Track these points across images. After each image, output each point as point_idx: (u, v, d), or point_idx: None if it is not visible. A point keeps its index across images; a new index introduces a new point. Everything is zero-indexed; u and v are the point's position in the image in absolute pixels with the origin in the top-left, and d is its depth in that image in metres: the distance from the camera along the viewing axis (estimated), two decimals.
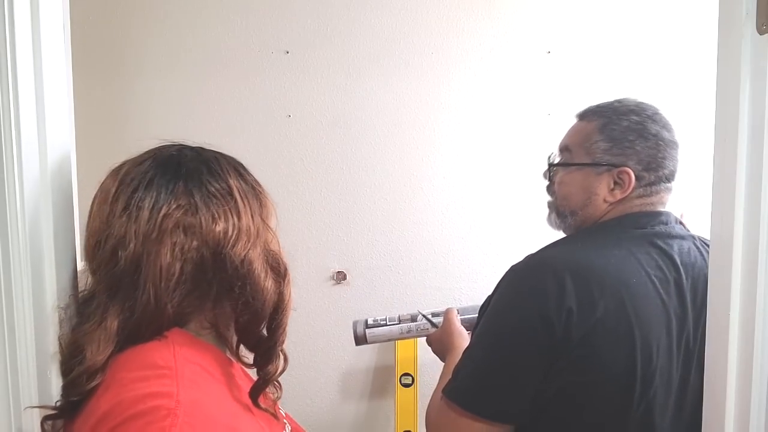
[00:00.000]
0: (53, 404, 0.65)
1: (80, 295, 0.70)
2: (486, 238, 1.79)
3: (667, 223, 0.97)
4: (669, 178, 0.99)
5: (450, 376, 0.93)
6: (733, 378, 0.67)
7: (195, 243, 0.65)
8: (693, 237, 0.98)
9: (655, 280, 0.90)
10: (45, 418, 0.64)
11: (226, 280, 0.66)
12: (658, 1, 1.77)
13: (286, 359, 0.71)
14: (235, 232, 0.67)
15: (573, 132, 1.04)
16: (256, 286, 0.67)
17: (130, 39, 1.68)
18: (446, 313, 1.24)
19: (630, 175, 0.96)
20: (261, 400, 0.69)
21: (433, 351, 1.24)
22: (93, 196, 0.69)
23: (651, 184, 0.97)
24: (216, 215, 0.66)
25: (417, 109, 1.75)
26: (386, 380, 1.81)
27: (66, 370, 0.64)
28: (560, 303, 0.84)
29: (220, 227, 0.66)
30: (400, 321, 1.35)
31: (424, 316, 1.32)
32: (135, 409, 0.55)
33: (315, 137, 1.74)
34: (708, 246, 0.95)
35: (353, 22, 1.72)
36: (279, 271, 0.70)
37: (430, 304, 1.38)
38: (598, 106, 1.03)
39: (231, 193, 0.69)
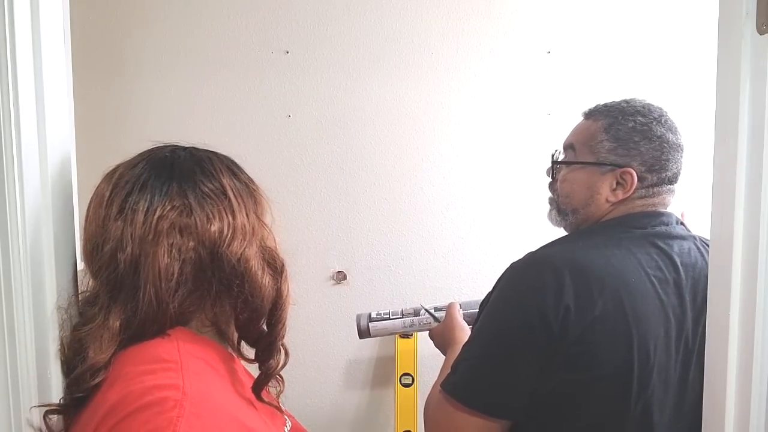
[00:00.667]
0: (57, 402, 0.65)
1: (83, 296, 0.71)
2: (486, 238, 1.79)
3: (668, 224, 0.97)
4: (672, 180, 0.99)
5: (449, 371, 0.94)
6: (733, 378, 0.67)
7: (192, 243, 0.66)
8: (694, 237, 0.98)
9: (654, 280, 0.90)
10: (47, 412, 0.64)
11: (224, 279, 0.67)
12: (658, 1, 1.77)
13: (287, 353, 0.72)
14: (230, 230, 0.67)
15: (578, 130, 1.04)
16: (254, 283, 0.68)
17: (130, 39, 1.68)
18: (448, 308, 1.25)
19: (633, 175, 0.96)
20: (263, 395, 0.70)
21: (435, 345, 1.25)
22: (89, 200, 0.70)
23: (653, 185, 0.98)
24: (211, 215, 0.67)
25: (417, 109, 1.75)
26: (386, 380, 1.81)
27: (69, 368, 0.65)
28: (558, 300, 0.85)
29: (215, 227, 0.66)
30: (403, 315, 1.36)
31: (426, 310, 1.32)
32: (142, 401, 0.55)
33: (315, 137, 1.74)
34: (709, 246, 0.96)
35: (353, 22, 1.72)
36: (276, 267, 0.71)
37: (430, 302, 1.38)
38: (605, 106, 1.03)
39: (225, 193, 0.69)
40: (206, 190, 0.68)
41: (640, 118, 0.98)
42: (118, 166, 0.71)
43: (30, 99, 0.68)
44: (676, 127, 1.00)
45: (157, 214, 0.65)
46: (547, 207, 1.10)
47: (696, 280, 0.93)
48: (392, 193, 1.77)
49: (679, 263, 0.93)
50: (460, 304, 1.27)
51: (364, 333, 1.37)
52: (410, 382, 1.74)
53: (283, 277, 0.72)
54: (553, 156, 1.08)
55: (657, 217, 0.97)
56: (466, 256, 1.79)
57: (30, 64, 0.68)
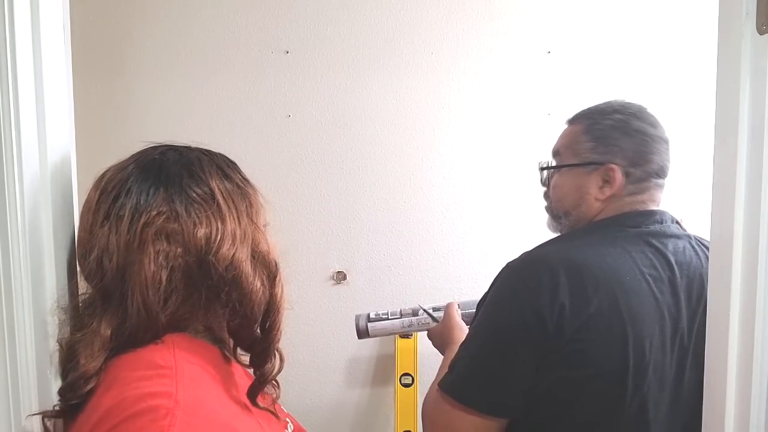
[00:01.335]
0: (53, 409, 0.65)
1: (82, 297, 0.70)
2: (486, 238, 1.79)
3: (662, 222, 0.97)
4: (659, 174, 1.00)
5: (446, 369, 0.94)
6: (733, 378, 0.67)
7: (179, 250, 0.64)
8: (689, 236, 0.99)
9: (649, 278, 0.91)
10: (45, 415, 0.64)
11: (212, 287, 0.65)
12: (658, 1, 1.77)
13: (282, 359, 0.71)
14: (219, 236, 0.65)
15: (562, 136, 1.08)
16: (243, 290, 0.66)
17: (130, 39, 1.68)
18: (447, 308, 1.25)
19: (616, 171, 0.98)
20: (260, 400, 0.69)
21: (433, 345, 1.26)
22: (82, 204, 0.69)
23: (640, 180, 0.98)
24: (198, 221, 0.65)
25: (417, 109, 1.75)
26: (386, 380, 1.81)
27: (63, 373, 0.65)
28: (553, 299, 0.86)
29: (202, 233, 0.65)
30: (401, 315, 1.36)
31: (425, 310, 1.33)
32: (135, 408, 0.55)
33: (315, 137, 1.74)
34: (704, 245, 0.96)
35: (353, 22, 1.72)
36: (270, 271, 0.69)
37: (429, 303, 1.38)
38: (584, 110, 1.06)
39: (213, 197, 0.67)
40: (194, 194, 0.66)
41: (617, 116, 1.00)
42: (107, 170, 0.69)
43: (30, 99, 0.68)
44: (657, 121, 1.01)
45: (143, 220, 0.63)
46: (545, 215, 1.12)
47: (691, 279, 0.93)
48: (392, 193, 1.77)
49: (673, 262, 0.93)
50: (458, 304, 1.27)
51: (362, 333, 1.37)
52: (410, 382, 1.74)
53: (277, 281, 0.70)
54: (539, 165, 1.11)
55: (651, 215, 0.98)
56: (466, 256, 1.79)
57: (30, 64, 0.68)
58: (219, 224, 0.66)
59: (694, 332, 0.91)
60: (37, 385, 0.67)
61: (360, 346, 1.80)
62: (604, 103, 1.05)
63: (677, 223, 1.00)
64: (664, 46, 1.77)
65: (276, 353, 0.70)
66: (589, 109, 1.06)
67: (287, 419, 0.77)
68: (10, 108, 0.65)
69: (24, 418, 0.66)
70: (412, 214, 1.78)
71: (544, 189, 1.11)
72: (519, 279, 0.92)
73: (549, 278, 0.87)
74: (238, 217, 0.68)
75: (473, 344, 0.93)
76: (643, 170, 0.98)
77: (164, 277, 0.63)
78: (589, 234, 0.99)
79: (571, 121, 1.07)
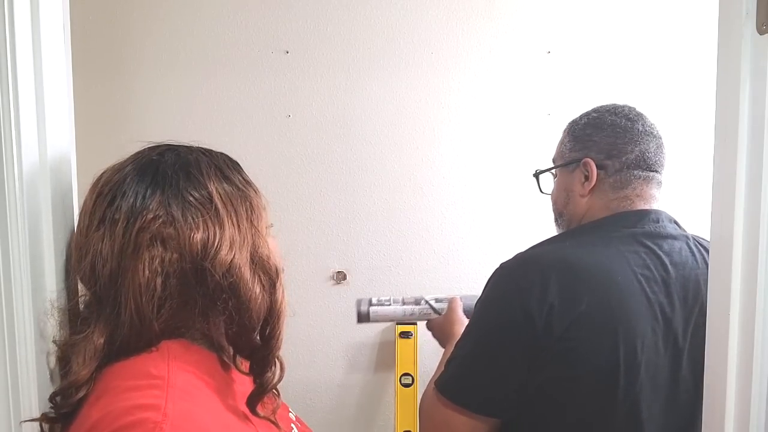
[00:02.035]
0: (42, 416, 0.63)
1: (83, 298, 0.69)
2: (486, 238, 1.79)
3: (658, 222, 0.97)
4: (639, 165, 0.99)
5: (443, 368, 0.96)
6: (733, 378, 0.67)
7: (175, 256, 0.62)
8: (687, 237, 0.99)
9: (641, 278, 0.91)
10: (43, 420, 0.63)
11: (209, 293, 0.63)
12: (658, 1, 1.77)
13: (282, 368, 0.68)
14: (216, 242, 0.63)
15: (557, 145, 1.11)
16: (242, 297, 0.64)
17: (129, 39, 1.68)
18: (450, 302, 1.27)
19: (590, 164, 1.00)
20: (260, 408, 0.67)
21: (433, 336, 1.28)
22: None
23: (618, 171, 0.99)
24: (194, 225, 0.63)
25: (417, 109, 1.75)
26: (386, 380, 1.81)
27: (60, 376, 0.64)
28: (543, 299, 0.87)
29: (198, 238, 0.62)
30: (404, 303, 1.36)
31: (427, 301, 1.33)
32: (123, 421, 0.54)
33: (315, 137, 1.74)
34: (703, 246, 0.96)
35: (353, 22, 1.72)
36: (270, 276, 0.67)
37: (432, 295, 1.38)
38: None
39: (211, 201, 0.65)
40: (191, 198, 0.64)
41: (593, 114, 1.05)
42: (105, 170, 0.68)
43: (30, 99, 0.68)
44: (635, 115, 1.02)
45: (138, 225, 0.61)
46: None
47: (686, 279, 0.93)
48: (392, 193, 1.77)
49: (668, 262, 0.93)
50: (460, 298, 1.28)
51: (363, 317, 1.36)
52: (410, 382, 1.74)
53: (277, 287, 0.68)
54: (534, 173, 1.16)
55: (645, 215, 0.98)
56: (466, 256, 1.79)
57: (30, 64, 0.68)
58: (217, 229, 0.64)
59: (689, 333, 0.92)
60: (37, 385, 0.67)
61: (360, 346, 1.80)
62: (591, 108, 1.08)
63: (675, 222, 1.00)
64: (664, 46, 1.77)
65: (276, 361, 0.68)
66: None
67: (293, 425, 0.77)
68: (10, 108, 0.65)
69: (24, 418, 0.66)
70: (412, 214, 1.78)
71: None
72: (510, 279, 0.93)
73: (539, 279, 0.88)
74: (238, 222, 0.66)
75: (466, 344, 0.94)
76: (618, 161, 0.99)
77: (159, 284, 0.61)
78: (583, 234, 1.00)
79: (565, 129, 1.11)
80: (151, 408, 0.55)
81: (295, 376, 1.76)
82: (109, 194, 0.64)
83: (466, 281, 1.78)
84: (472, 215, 1.79)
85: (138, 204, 0.63)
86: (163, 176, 0.65)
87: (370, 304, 1.37)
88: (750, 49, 0.64)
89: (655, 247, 0.94)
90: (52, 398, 0.62)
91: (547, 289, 0.87)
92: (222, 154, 0.72)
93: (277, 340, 0.68)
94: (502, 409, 0.90)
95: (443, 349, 1.18)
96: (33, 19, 0.68)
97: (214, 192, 0.66)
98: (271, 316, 0.67)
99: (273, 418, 0.69)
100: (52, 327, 0.69)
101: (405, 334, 1.75)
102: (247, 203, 0.69)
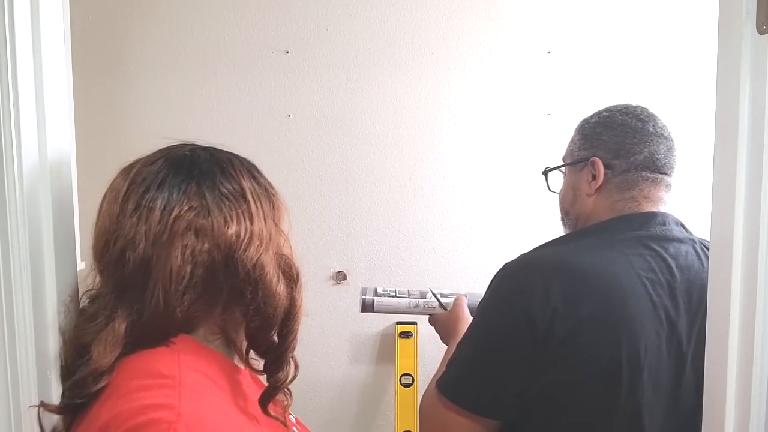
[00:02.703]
0: (56, 405, 0.64)
1: (87, 293, 0.69)
2: (486, 238, 1.79)
3: (664, 224, 0.96)
4: (647, 167, 0.98)
5: (444, 368, 0.96)
6: (733, 378, 0.67)
7: (206, 246, 0.63)
8: (693, 240, 0.97)
9: (646, 281, 0.90)
10: (47, 409, 0.63)
11: (237, 285, 0.65)
12: (658, 1, 1.77)
13: (296, 366, 0.70)
14: (248, 235, 0.65)
15: (567, 143, 1.10)
16: (268, 291, 0.65)
17: (129, 39, 1.68)
18: (456, 299, 1.26)
19: (597, 163, 0.99)
20: (271, 408, 0.67)
21: (435, 330, 1.27)
22: (102, 195, 0.68)
23: (625, 171, 0.98)
24: (228, 218, 0.65)
25: (417, 109, 1.76)
26: (386, 380, 1.81)
27: (70, 370, 0.64)
28: (545, 302, 0.86)
29: (232, 230, 0.64)
30: (409, 295, 1.33)
31: (434, 294, 1.31)
32: (135, 421, 0.54)
33: (315, 137, 1.74)
34: (709, 249, 0.95)
35: (353, 22, 1.72)
36: (291, 276, 0.69)
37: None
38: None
39: (244, 196, 0.67)
40: (225, 191, 0.66)
41: (604, 113, 1.03)
42: (135, 162, 0.69)
43: (30, 99, 0.68)
44: (646, 116, 1.01)
45: (174, 213, 0.63)
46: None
47: (691, 283, 0.92)
48: (392, 193, 1.77)
49: (673, 266, 0.92)
50: (466, 295, 1.28)
51: (367, 307, 1.33)
52: (410, 382, 1.74)
53: (298, 287, 0.69)
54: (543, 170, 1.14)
55: (651, 217, 0.97)
56: (466, 256, 1.79)
57: (30, 64, 0.68)
58: (248, 223, 0.66)
59: (693, 337, 0.91)
60: (37, 384, 0.67)
61: (360, 346, 1.80)
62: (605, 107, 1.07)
63: (682, 226, 1.00)
64: (664, 46, 1.77)
65: (291, 360, 0.69)
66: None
67: (294, 428, 0.77)
68: (10, 108, 0.65)
69: (24, 418, 0.66)
70: (412, 214, 1.78)
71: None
72: (513, 282, 0.93)
73: (542, 282, 0.87)
74: (265, 219, 0.68)
75: (468, 345, 0.94)
76: (626, 161, 0.98)
77: (188, 272, 0.62)
78: (587, 237, 0.99)
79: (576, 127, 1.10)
80: (164, 408, 0.55)
81: None
82: (143, 183, 0.65)
83: (466, 281, 1.78)
84: (472, 215, 1.79)
85: (175, 194, 0.65)
86: (199, 169, 0.67)
87: (375, 293, 1.34)
88: (750, 49, 0.64)
89: (660, 250, 0.93)
90: (70, 386, 0.62)
91: (549, 293, 0.86)
92: (246, 158, 0.75)
93: (294, 339, 0.69)
94: (501, 412, 0.89)
95: (445, 347, 1.18)
96: (33, 19, 0.68)
97: (247, 188, 0.68)
98: (290, 315, 0.68)
99: (283, 418, 0.69)
100: (53, 326, 0.69)
101: (405, 334, 1.75)
102: (272, 204, 0.71)
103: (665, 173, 0.99)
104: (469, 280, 1.78)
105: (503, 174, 1.78)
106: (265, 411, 0.67)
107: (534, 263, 0.93)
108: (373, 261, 1.78)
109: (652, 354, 0.88)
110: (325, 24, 1.72)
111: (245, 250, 0.64)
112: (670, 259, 0.93)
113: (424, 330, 1.74)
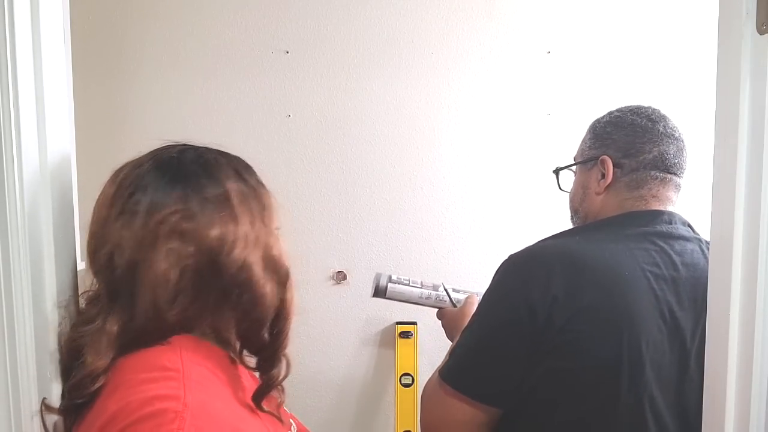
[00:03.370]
0: (57, 408, 0.64)
1: (86, 294, 0.70)
2: (486, 238, 1.79)
3: (671, 223, 0.97)
4: (657, 166, 0.99)
5: (447, 357, 0.98)
6: (733, 378, 0.67)
7: (191, 249, 0.64)
8: (700, 240, 0.98)
9: (650, 275, 0.91)
10: (50, 411, 0.63)
11: (223, 288, 0.65)
12: (658, 1, 1.77)
13: (288, 364, 0.70)
14: (232, 238, 0.65)
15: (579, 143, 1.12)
16: (255, 293, 0.66)
17: (129, 39, 1.68)
18: (468, 297, 1.27)
19: (607, 162, 1.00)
20: (265, 404, 0.68)
21: (442, 325, 1.28)
22: (96, 199, 0.69)
23: (634, 170, 0.99)
24: (212, 221, 0.65)
25: (417, 109, 1.75)
26: (386, 380, 1.81)
27: (66, 371, 0.64)
28: (546, 291, 0.87)
29: (215, 233, 0.64)
30: (422, 286, 1.33)
31: (446, 289, 1.31)
32: (142, 412, 0.55)
33: (315, 137, 1.74)
34: None
35: (353, 22, 1.72)
36: (280, 276, 0.69)
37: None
38: None
39: (228, 198, 0.67)
40: (210, 195, 0.66)
41: (615, 113, 1.04)
42: (125, 165, 0.69)
43: (30, 99, 0.68)
44: (657, 117, 1.01)
45: (158, 217, 0.63)
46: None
47: (696, 281, 0.92)
48: (392, 193, 1.77)
49: (678, 262, 0.93)
50: (477, 294, 1.28)
51: (380, 292, 1.33)
52: (410, 382, 1.74)
53: (287, 287, 0.70)
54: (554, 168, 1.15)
55: (659, 215, 0.97)
56: (466, 256, 1.79)
57: (30, 64, 0.68)
58: (233, 226, 0.66)
59: (697, 335, 0.91)
60: (37, 385, 0.67)
61: (360, 346, 1.80)
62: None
63: (689, 226, 1.00)
64: (664, 46, 1.77)
65: (283, 358, 0.70)
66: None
67: (291, 420, 0.77)
68: (10, 108, 0.65)
69: (24, 418, 0.66)
70: (412, 214, 1.78)
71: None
72: (515, 272, 0.94)
73: (544, 271, 0.89)
74: (252, 221, 0.68)
75: (470, 333, 0.95)
76: (635, 161, 0.99)
77: (175, 276, 0.63)
78: (593, 230, 1.00)
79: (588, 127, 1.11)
80: (170, 398, 0.56)
81: (294, 375, 1.74)
82: (129, 187, 0.66)
83: (466, 281, 1.78)
84: (472, 215, 1.79)
85: (158, 197, 0.65)
86: (183, 172, 0.68)
87: (390, 280, 1.34)
88: (750, 49, 0.64)
89: (666, 247, 0.94)
90: (68, 389, 0.63)
91: (550, 281, 0.87)
92: (236, 156, 0.75)
93: (285, 338, 0.70)
94: (502, 400, 0.91)
95: (450, 343, 1.18)
96: (33, 19, 0.68)
97: (231, 191, 0.68)
98: (281, 315, 0.69)
99: (277, 413, 0.70)
100: (54, 325, 0.69)
101: (405, 334, 1.75)
102: (261, 203, 0.71)
103: (674, 173, 1.00)
104: (469, 280, 1.78)
105: (503, 174, 1.78)
106: (258, 407, 0.67)
107: (538, 254, 0.94)
108: (373, 261, 1.78)
109: (655, 348, 0.88)
110: (325, 24, 1.72)
111: (229, 253, 0.65)
112: (675, 256, 0.93)
113: (424, 330, 1.75)
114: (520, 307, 0.88)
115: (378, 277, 1.34)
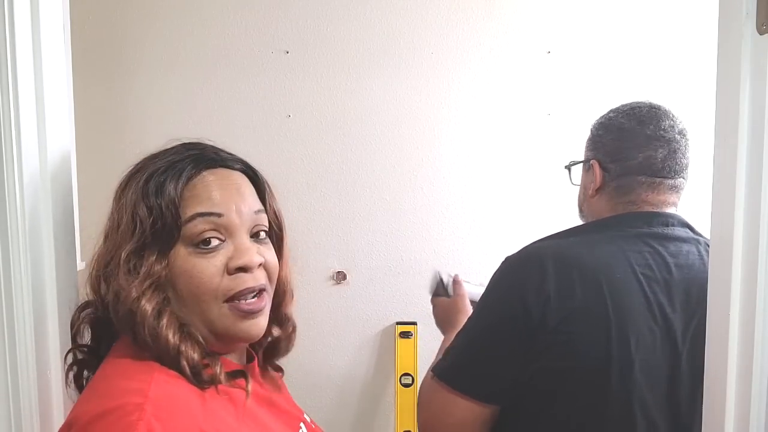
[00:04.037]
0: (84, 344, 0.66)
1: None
2: (486, 238, 1.79)
3: (667, 225, 0.97)
4: (644, 171, 0.97)
5: (441, 356, 0.98)
6: (733, 378, 0.67)
7: None
8: (698, 241, 0.97)
9: (642, 277, 0.91)
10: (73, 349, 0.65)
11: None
12: (658, 1, 1.77)
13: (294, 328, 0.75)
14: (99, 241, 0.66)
15: None
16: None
17: (129, 39, 1.68)
18: (458, 288, 1.27)
19: (595, 166, 1.00)
20: (257, 391, 0.69)
21: (433, 314, 1.29)
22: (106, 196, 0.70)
23: (620, 176, 0.98)
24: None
25: (417, 109, 1.75)
26: (386, 380, 1.81)
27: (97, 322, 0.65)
28: (540, 290, 0.88)
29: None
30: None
31: (441, 281, 1.31)
32: (105, 407, 0.55)
33: (315, 137, 1.74)
34: None
35: (353, 22, 1.72)
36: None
37: (429, 304, 1.37)
38: None
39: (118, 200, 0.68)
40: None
41: (609, 114, 1.03)
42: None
43: (30, 99, 0.68)
44: (650, 117, 0.98)
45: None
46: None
47: (690, 282, 0.92)
48: (392, 193, 1.77)
49: (672, 264, 0.93)
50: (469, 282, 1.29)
51: (441, 292, 1.32)
52: (410, 382, 1.74)
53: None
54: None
55: (655, 217, 0.97)
56: (466, 256, 1.79)
57: (30, 64, 0.68)
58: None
59: (689, 335, 0.91)
60: (37, 384, 0.67)
61: (360, 346, 1.80)
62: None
63: (689, 227, 0.99)
64: (664, 46, 1.77)
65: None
66: None
67: (302, 423, 0.77)
68: (10, 108, 0.65)
69: (24, 418, 0.66)
70: (412, 214, 1.78)
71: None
72: (511, 272, 0.95)
73: (538, 272, 0.89)
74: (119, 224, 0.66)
75: (468, 333, 0.96)
76: (621, 166, 0.98)
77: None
78: (589, 232, 1.00)
79: None
80: (134, 393, 0.56)
81: (294, 375, 1.75)
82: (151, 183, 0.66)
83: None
84: (472, 215, 1.79)
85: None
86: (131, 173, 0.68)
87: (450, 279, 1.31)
88: (750, 49, 0.64)
89: (660, 248, 0.94)
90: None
91: (544, 281, 0.88)
92: (186, 158, 0.72)
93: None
94: (498, 397, 0.92)
95: (441, 336, 1.19)
96: (33, 19, 0.68)
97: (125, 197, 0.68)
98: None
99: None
100: (54, 325, 0.69)
101: (405, 334, 1.75)
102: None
103: (665, 177, 0.97)
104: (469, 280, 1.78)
105: (503, 174, 1.78)
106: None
107: (532, 254, 0.95)
108: (373, 261, 1.78)
109: (645, 348, 0.89)
110: (325, 24, 1.72)
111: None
112: (669, 258, 0.93)
113: (424, 330, 1.75)
114: (515, 307, 0.89)
115: (437, 275, 1.32)
